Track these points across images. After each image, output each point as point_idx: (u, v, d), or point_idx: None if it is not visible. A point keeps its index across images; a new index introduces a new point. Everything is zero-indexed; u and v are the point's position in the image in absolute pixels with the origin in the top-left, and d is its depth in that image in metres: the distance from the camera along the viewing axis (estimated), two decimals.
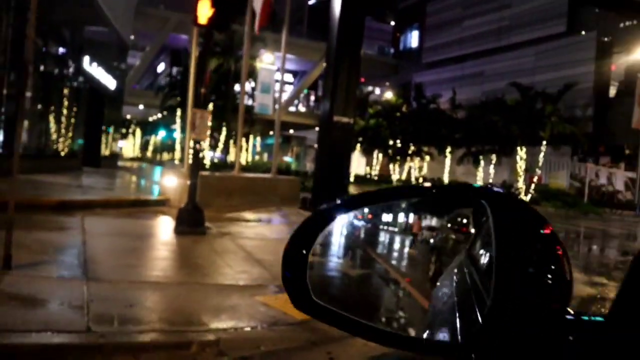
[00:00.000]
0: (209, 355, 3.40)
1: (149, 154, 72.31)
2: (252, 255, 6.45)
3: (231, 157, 60.50)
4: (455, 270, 1.11)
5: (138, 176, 20.61)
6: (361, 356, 3.61)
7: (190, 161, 7.95)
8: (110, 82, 25.22)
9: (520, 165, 34.30)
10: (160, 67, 66.98)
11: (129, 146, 75.70)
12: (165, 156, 61.09)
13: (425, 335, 1.01)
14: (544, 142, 33.02)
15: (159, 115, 50.06)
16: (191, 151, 7.87)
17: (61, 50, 18.67)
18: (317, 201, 11.34)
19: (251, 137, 59.37)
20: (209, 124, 26.07)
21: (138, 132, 71.81)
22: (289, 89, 63.96)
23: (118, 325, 3.57)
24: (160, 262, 5.84)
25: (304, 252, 0.95)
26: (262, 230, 8.69)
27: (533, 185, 33.19)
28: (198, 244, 6.89)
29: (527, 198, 32.07)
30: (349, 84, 11.60)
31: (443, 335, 0.97)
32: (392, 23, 66.23)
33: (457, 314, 0.97)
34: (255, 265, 5.91)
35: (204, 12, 7.27)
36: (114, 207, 9.90)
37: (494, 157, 36.53)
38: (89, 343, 3.25)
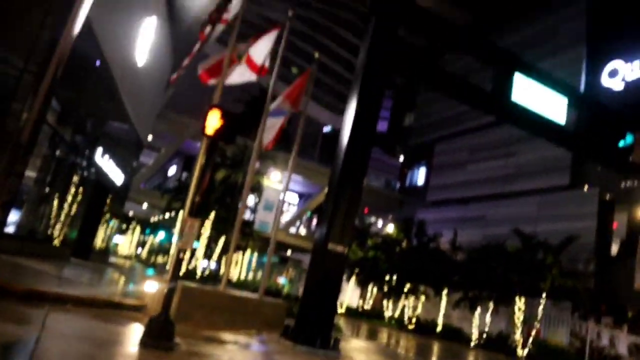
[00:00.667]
0: None
1: (144, 253, 71.43)
2: None
3: (264, 284, 59.30)
4: None
5: (124, 276, 20.01)
6: None
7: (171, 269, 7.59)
8: (118, 177, 25.47)
9: (518, 316, 33.25)
10: (172, 170, 68.37)
11: (126, 243, 75.03)
12: (160, 259, 60.28)
13: None
14: (544, 294, 32.29)
15: (162, 216, 50.17)
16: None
17: (76, 138, 19.03)
18: (299, 331, 10.74)
19: (248, 252, 58.96)
20: (208, 233, 25.86)
21: (137, 230, 71.56)
22: (292, 210, 64.54)
23: None
24: None
25: None
26: (235, 356, 8.09)
27: (531, 339, 31.94)
28: None
29: (525, 352, 30.70)
30: (348, 213, 11.49)
31: None
32: (401, 158, 68.25)
33: None
34: None
35: (213, 123, 7.34)
36: (87, 305, 9.38)
37: (491, 304, 35.57)
38: None
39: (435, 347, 27.42)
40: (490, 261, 34.10)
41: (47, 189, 17.40)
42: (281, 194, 21.62)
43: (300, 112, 16.09)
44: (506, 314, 35.60)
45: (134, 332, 7.90)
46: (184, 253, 7.35)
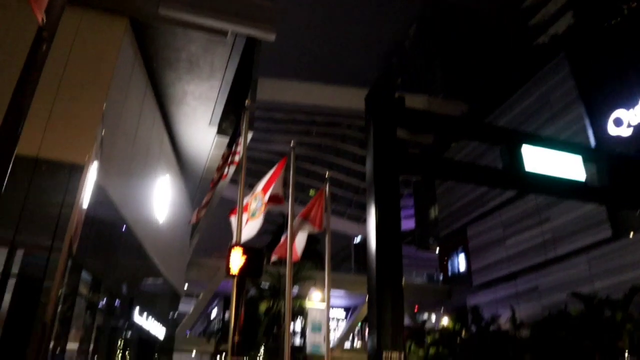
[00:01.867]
0: None
1: None
2: None
3: None
4: None
5: None
6: None
7: None
8: (160, 332, 25.35)
9: None
10: (214, 313, 67.85)
11: None
12: None
13: None
14: (626, 353, 30.13)
15: None
16: None
17: (114, 303, 19.25)
18: None
19: None
20: None
21: None
22: (342, 325, 62.85)
23: None
24: None
25: None
26: None
27: None
28: None
29: None
30: (395, 315, 11.18)
31: None
32: (437, 250, 67.19)
33: None
34: None
35: (236, 262, 7.47)
36: None
37: None
38: None
39: None
40: (557, 331, 32.32)
41: (91, 359, 17.32)
42: (325, 311, 21.32)
43: (324, 230, 16.33)
44: None
45: None
46: None
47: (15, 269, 13.52)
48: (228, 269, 7.41)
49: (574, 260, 41.78)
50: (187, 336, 52.18)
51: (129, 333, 21.06)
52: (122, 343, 20.11)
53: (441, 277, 63.51)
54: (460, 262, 59.71)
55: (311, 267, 34.02)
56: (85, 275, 15.85)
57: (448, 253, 62.15)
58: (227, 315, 47.46)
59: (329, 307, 16.14)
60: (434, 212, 70.55)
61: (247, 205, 13.06)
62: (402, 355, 10.66)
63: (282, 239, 15.34)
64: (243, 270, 7.42)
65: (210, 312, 66.68)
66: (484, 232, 53.64)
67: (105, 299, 18.26)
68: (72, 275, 14.70)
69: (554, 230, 44.56)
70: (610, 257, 38.40)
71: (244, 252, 7.50)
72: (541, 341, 33.62)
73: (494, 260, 51.26)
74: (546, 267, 44.65)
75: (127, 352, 20.59)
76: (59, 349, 14.46)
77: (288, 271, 14.01)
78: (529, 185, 15.99)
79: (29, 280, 13.44)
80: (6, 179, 3.81)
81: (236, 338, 7.41)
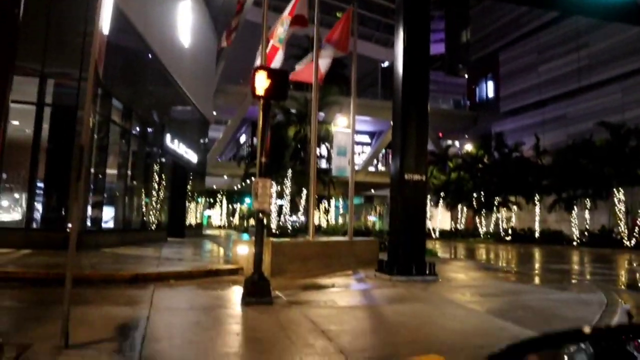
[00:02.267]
0: None
1: (236, 221, 74.39)
2: (318, 325, 6.12)
3: (315, 221, 60.59)
4: None
5: (219, 245, 20.97)
6: None
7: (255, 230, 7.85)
8: (192, 157, 26.41)
9: (620, 208, 31.93)
10: (243, 139, 69.84)
11: (216, 215, 78.31)
12: (253, 223, 62.53)
13: None
14: None
15: (242, 184, 51.70)
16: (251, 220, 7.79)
17: (147, 130, 19.84)
18: (393, 263, 10.89)
19: (332, 199, 59.88)
20: (289, 189, 26.37)
21: (224, 201, 74.31)
22: (367, 150, 64.36)
23: None
24: (219, 338, 5.64)
25: None
26: (333, 297, 8.35)
27: (637, 229, 30.67)
28: (263, 315, 6.67)
29: (631, 242, 29.60)
30: (419, 140, 11.31)
31: None
32: (466, 76, 65.75)
33: None
34: (319, 337, 5.57)
35: (261, 84, 7.38)
36: (187, 277, 9.99)
37: (588, 201, 34.33)
38: None
39: (537, 253, 27.00)
40: (579, 159, 32.65)
41: (130, 182, 18.37)
42: (350, 135, 21.59)
43: (350, 53, 15.86)
44: (605, 208, 34.28)
45: (234, 294, 8.31)
46: (263, 214, 7.56)
47: (48, 100, 13.84)
48: (253, 90, 7.34)
49: (607, 88, 40.70)
50: (219, 161, 54.40)
51: (163, 159, 22.00)
52: (157, 167, 21.10)
53: (468, 104, 63.08)
54: (489, 89, 58.75)
55: (337, 92, 33.82)
56: (116, 103, 16.15)
57: (477, 79, 60.92)
58: (255, 140, 48.79)
59: (354, 131, 16.31)
60: (465, 36, 67.85)
61: (273, 31, 12.61)
62: (424, 178, 10.98)
63: (305, 62, 15.00)
64: (268, 92, 7.34)
65: (239, 138, 68.63)
66: (517, 57, 51.81)
67: (137, 126, 18.76)
68: (104, 103, 14.99)
69: (591, 57, 42.77)
70: None
71: (269, 75, 7.35)
72: (562, 168, 34.18)
73: (524, 87, 50.24)
74: (577, 95, 43.74)
75: (162, 176, 21.70)
76: (100, 175, 15.30)
77: (314, 93, 13.97)
78: (574, 5, 14.97)
79: (63, 109, 13.80)
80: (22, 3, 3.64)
81: (263, 160, 7.60)
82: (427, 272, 10.71)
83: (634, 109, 37.64)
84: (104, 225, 15.96)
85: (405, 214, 10.86)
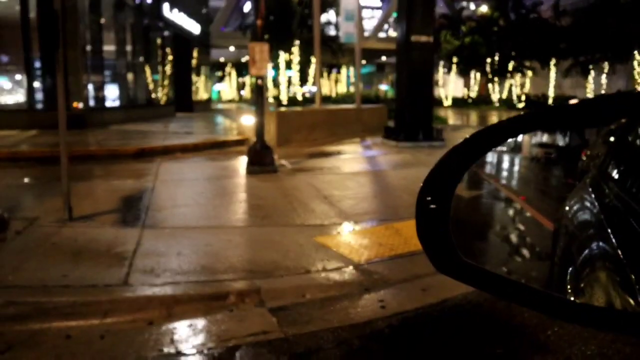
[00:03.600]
0: (249, 305, 3.16)
1: (247, 94, 73.54)
2: (321, 191, 6.13)
3: (325, 90, 60.01)
4: (590, 189, 1.05)
5: (228, 118, 20.87)
6: (414, 302, 3.21)
7: (255, 98, 7.64)
8: (194, 27, 25.43)
9: (638, 71, 30.87)
10: (247, 7, 66.88)
11: (226, 88, 77.37)
12: (269, 94, 61.89)
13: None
14: None
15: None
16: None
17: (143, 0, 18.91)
18: (399, 129, 10.74)
19: (343, 68, 58.48)
20: (298, 58, 25.61)
21: (233, 74, 73.01)
22: (377, 14, 61.63)
23: (157, 276, 3.41)
24: (222, 205, 5.67)
25: (444, 200, 0.80)
26: (338, 164, 8.33)
27: None
28: (266, 183, 6.67)
29: None
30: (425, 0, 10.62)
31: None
32: None
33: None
34: (321, 203, 5.59)
35: None
36: (193, 150, 9.99)
37: (606, 65, 33.13)
38: (121, 298, 3.12)
39: None
40: (602, 18, 30.89)
41: (131, 58, 17.86)
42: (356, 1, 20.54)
43: None
44: (624, 72, 33.12)
45: (241, 164, 8.31)
46: (262, 80, 7.29)
47: None
48: None
49: None
50: (223, 32, 52.62)
51: (164, 31, 21.19)
52: (158, 40, 20.40)
53: None
54: None
55: None
56: None
57: None
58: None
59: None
60: None
61: None
62: (432, 40, 10.45)
63: None
64: None
65: (243, 7, 65.76)
66: None
67: None
68: None
69: None
70: None
71: None
72: (582, 28, 32.51)
73: None
74: None
75: (164, 50, 21.05)
76: (96, 51, 14.78)
77: None
78: None
79: None
80: None
81: (259, 22, 7.17)
82: (435, 137, 10.58)
83: None
84: (108, 103, 15.78)
85: (411, 79, 10.50)
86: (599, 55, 32.95)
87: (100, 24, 14.98)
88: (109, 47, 15.95)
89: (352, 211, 5.22)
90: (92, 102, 14.30)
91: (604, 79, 33.72)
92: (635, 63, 30.88)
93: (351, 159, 9.09)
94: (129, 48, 17.56)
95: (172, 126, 15.15)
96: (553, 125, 0.92)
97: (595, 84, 34.19)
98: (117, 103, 16.49)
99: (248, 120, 11.58)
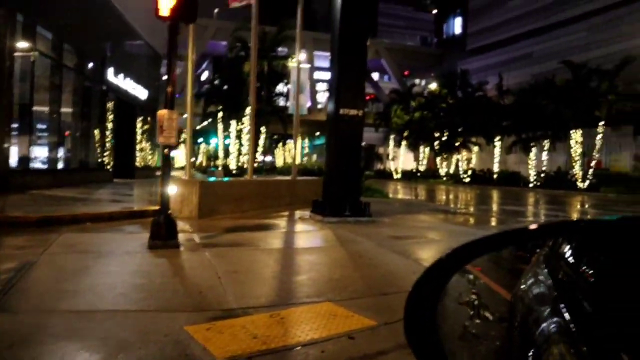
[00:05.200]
0: None
1: (204, 161, 73.03)
2: (218, 271, 5.68)
3: (279, 161, 60.16)
4: (544, 265, 1.20)
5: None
6: None
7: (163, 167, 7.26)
8: (141, 93, 25.23)
9: (576, 149, 32.15)
10: (205, 75, 67.75)
11: (181, 155, 76.72)
12: (219, 163, 61.58)
13: None
14: (601, 123, 30.83)
15: (204, 122, 50.39)
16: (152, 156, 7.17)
17: (84, 63, 18.64)
18: (326, 203, 10.48)
19: (299, 138, 59.13)
20: (247, 127, 25.48)
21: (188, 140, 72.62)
22: (325, 87, 63.21)
23: None
24: (99, 285, 5.12)
25: (430, 312, 0.93)
26: (251, 240, 7.91)
27: (591, 171, 30.98)
28: (162, 259, 6.19)
29: (585, 184, 29.94)
30: (356, 73, 10.70)
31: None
32: (434, 11, 64.28)
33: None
34: (213, 284, 5.13)
35: (166, 2, 6.60)
36: (106, 220, 9.41)
37: (546, 142, 34.48)
38: None
39: (490, 194, 27.06)
40: (540, 99, 32.46)
41: (65, 119, 17.35)
42: (315, 72, 20.57)
43: None
44: (563, 149, 34.52)
45: (146, 237, 7.81)
46: (169, 149, 6.95)
47: None
48: (156, 10, 6.56)
49: (574, 26, 40.23)
50: (177, 98, 52.66)
51: (106, 94, 20.86)
52: (98, 104, 20.01)
53: (435, 41, 61.98)
54: (457, 25, 57.67)
55: (295, 26, 32.50)
56: (43, 33, 14.97)
57: (445, 14, 59.59)
58: (216, 77, 47.10)
59: (299, 66, 15.58)
60: None
61: None
62: (361, 113, 10.43)
63: None
64: (175, 12, 6.57)
65: (200, 75, 66.59)
66: None
67: (71, 59, 17.54)
68: (26, 32, 13.82)
69: None
70: (613, 25, 36.92)
71: None
72: (522, 108, 34.03)
73: (492, 24, 49.39)
74: (545, 33, 43.18)
75: (105, 113, 20.64)
76: (25, 110, 14.25)
77: (253, 21, 13.10)
78: None
79: None
80: None
81: (169, 89, 6.90)
82: (362, 212, 10.34)
83: (599, 48, 37.44)
84: (35, 165, 15.09)
85: (339, 152, 10.37)
86: (540, 133, 34.35)
87: (31, 83, 14.52)
88: (41, 108, 15.45)
89: (241, 295, 4.78)
90: (12, 163, 13.58)
91: (545, 155, 34.97)
92: (573, 142, 32.20)
93: (269, 234, 8.68)
94: (65, 109, 17.08)
95: (101, 193, 14.52)
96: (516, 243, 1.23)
97: (537, 160, 35.39)
98: (45, 166, 15.78)
99: (173, 189, 11.14)
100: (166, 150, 6.93)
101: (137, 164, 26.47)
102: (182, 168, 56.16)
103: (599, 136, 31.37)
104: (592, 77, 31.85)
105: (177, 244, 6.82)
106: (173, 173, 30.24)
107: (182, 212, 10.19)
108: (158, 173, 31.99)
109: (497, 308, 1.24)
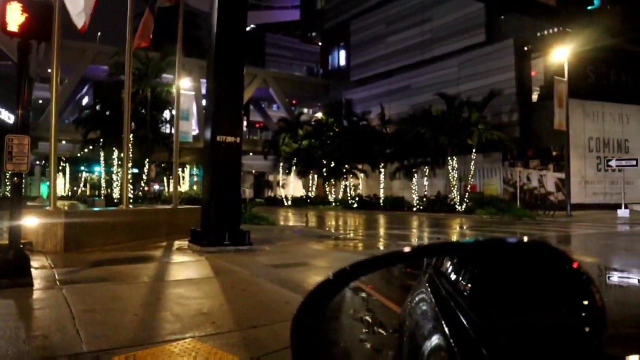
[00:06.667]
0: None
1: (87, 191, 68.77)
2: (73, 309, 5.15)
3: (175, 189, 57.88)
4: (428, 284, 1.29)
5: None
6: None
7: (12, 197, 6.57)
8: (7, 118, 23.30)
9: (454, 175, 34.12)
10: (86, 100, 64.27)
11: (60, 184, 71.80)
12: (103, 192, 58.25)
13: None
14: (474, 150, 33.00)
15: (86, 150, 47.56)
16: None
17: None
18: (205, 232, 10.09)
19: (188, 167, 57.52)
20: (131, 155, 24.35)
21: (68, 169, 68.29)
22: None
23: None
24: None
25: (313, 334, 0.99)
26: (118, 275, 7.33)
27: (467, 194, 32.98)
28: (9, 300, 5.52)
29: (462, 207, 31.76)
30: (233, 100, 10.52)
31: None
32: (320, 44, 66.21)
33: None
34: (65, 326, 4.62)
35: (15, 18, 6.04)
36: None
37: (427, 169, 36.30)
38: None
39: (376, 219, 27.79)
40: (419, 128, 34.20)
41: None
42: (193, 99, 20.15)
43: (176, 3, 14.60)
44: (442, 175, 36.55)
45: None
46: (19, 177, 6.31)
47: None
48: (4, 26, 5.98)
49: (446, 62, 42.99)
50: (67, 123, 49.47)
51: None
52: None
53: (322, 72, 63.68)
54: (341, 57, 59.65)
55: (183, 54, 31.86)
56: None
57: (330, 47, 61.53)
58: (98, 103, 44.78)
59: (179, 92, 15.17)
60: (320, 3, 68.11)
61: None
62: (239, 141, 10.24)
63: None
64: (26, 29, 6.03)
65: (81, 101, 63.10)
66: (367, 27, 52.96)
67: None
68: None
69: (433, 31, 44.88)
70: (479, 62, 39.89)
71: (26, 9, 6.02)
72: (403, 137, 35.69)
73: (373, 57, 51.61)
74: (421, 67, 45.76)
75: None
76: None
77: (127, 45, 12.55)
78: None
79: None
80: None
81: (20, 112, 6.30)
82: (242, 241, 10.07)
83: (469, 82, 40.14)
84: None
85: (217, 180, 10.08)
86: (421, 160, 36.14)
87: None
88: None
89: (96, 336, 4.33)
90: None
91: (426, 181, 36.80)
92: (450, 168, 34.21)
93: (140, 268, 8.12)
94: None
95: None
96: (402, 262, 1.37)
97: (419, 185, 37.13)
98: None
99: (33, 221, 10.19)
100: (16, 179, 6.28)
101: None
102: (62, 198, 52.29)
103: (472, 163, 33.57)
104: (463, 108, 34.10)
105: (31, 282, 6.14)
106: (32, 203, 27.75)
107: (46, 246, 9.35)
108: (30, 203, 29.64)
109: (390, 321, 1.34)
